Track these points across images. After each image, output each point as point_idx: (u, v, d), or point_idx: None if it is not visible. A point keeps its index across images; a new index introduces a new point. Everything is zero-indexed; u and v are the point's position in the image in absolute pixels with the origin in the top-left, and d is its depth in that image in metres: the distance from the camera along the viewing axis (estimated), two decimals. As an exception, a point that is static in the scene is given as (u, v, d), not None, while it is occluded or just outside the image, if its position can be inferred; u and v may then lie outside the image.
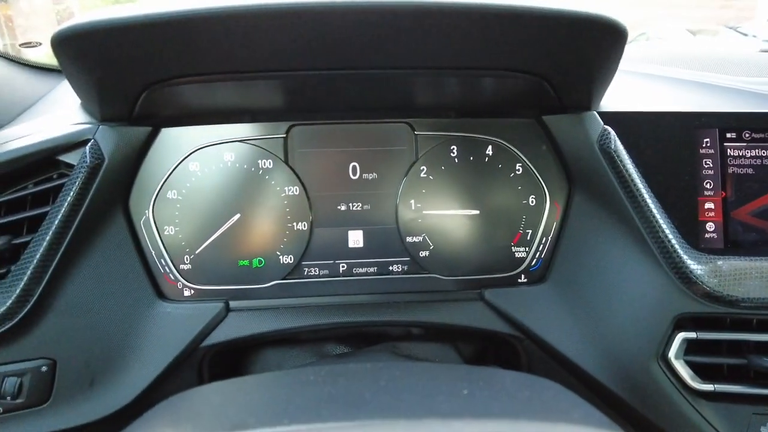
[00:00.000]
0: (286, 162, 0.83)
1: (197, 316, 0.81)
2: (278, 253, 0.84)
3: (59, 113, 0.85)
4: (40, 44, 1.20)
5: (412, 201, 0.84)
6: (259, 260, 0.84)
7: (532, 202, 0.85)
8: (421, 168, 0.84)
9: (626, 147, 0.76)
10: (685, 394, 0.75)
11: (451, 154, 0.84)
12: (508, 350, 0.88)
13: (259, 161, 0.82)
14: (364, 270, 0.86)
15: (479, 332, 0.84)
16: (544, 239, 0.86)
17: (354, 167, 0.84)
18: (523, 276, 0.86)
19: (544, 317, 0.83)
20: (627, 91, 0.89)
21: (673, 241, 0.74)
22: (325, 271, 0.85)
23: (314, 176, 0.84)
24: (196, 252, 0.83)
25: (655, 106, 0.79)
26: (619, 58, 0.68)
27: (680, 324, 0.75)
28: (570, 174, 0.84)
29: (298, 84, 0.76)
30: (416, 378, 0.46)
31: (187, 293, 0.83)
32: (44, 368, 0.75)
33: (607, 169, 0.77)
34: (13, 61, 1.09)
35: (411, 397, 0.41)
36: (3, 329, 0.72)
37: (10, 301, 0.72)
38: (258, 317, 0.83)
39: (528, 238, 0.86)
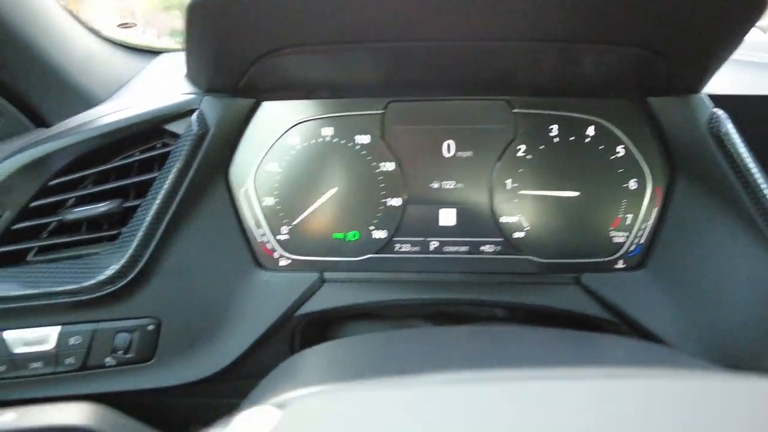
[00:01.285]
0: (383, 138, 0.83)
1: (293, 286, 0.83)
2: (372, 227, 0.84)
3: (162, 86, 0.88)
4: (135, 25, 1.25)
5: (509, 180, 0.83)
6: (353, 234, 0.84)
7: (633, 186, 0.83)
8: (519, 147, 0.83)
9: (737, 131, 0.73)
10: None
11: (551, 134, 0.82)
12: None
13: (356, 137, 0.83)
14: (455, 249, 0.85)
15: (573, 316, 0.82)
16: (644, 225, 0.83)
17: (449, 145, 0.84)
18: (621, 262, 0.84)
19: (644, 304, 0.80)
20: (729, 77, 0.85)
21: (794, 230, 0.70)
22: (417, 248, 0.85)
23: (409, 153, 0.84)
24: (294, 223, 0.84)
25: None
26: (744, 36, 0.65)
27: (797, 317, 0.72)
28: (673, 158, 0.81)
29: (399, 58, 0.76)
30: (547, 342, 0.45)
31: (283, 263, 0.85)
32: (150, 327, 0.78)
33: (716, 153, 0.73)
34: (110, 41, 1.15)
35: (550, 358, 0.40)
36: (115, 288, 0.75)
37: (123, 261, 0.75)
38: (351, 289, 0.83)
39: (627, 222, 0.83)
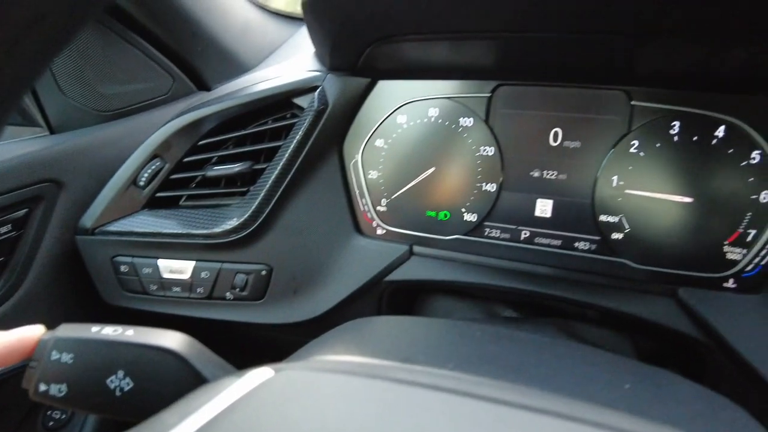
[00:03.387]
0: (486, 122, 0.84)
1: (386, 253, 0.90)
2: (463, 209, 0.87)
3: (296, 60, 0.99)
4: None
5: (615, 177, 0.79)
6: (444, 213, 0.88)
7: (765, 198, 0.73)
8: (633, 142, 0.77)
9: None
10: None
11: (671, 131, 0.75)
12: (693, 358, 0.80)
13: (460, 119, 0.85)
14: (547, 241, 0.84)
15: (664, 330, 0.77)
16: (769, 244, 0.73)
17: (556, 133, 0.81)
18: (731, 281, 0.76)
19: (750, 332, 0.72)
20: None
21: None
22: (507, 235, 0.86)
23: (512, 138, 0.83)
24: (393, 197, 0.90)
25: None
26: None
27: None
28: (825, 171, 0.69)
29: (510, 43, 0.75)
30: (579, 360, 0.46)
31: (380, 232, 0.92)
32: (263, 272, 0.92)
33: None
34: (264, 9, 1.28)
35: (567, 377, 0.41)
36: (239, 236, 0.90)
37: (247, 215, 0.89)
38: (436, 265, 0.88)
39: (749, 239, 0.74)
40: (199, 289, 0.93)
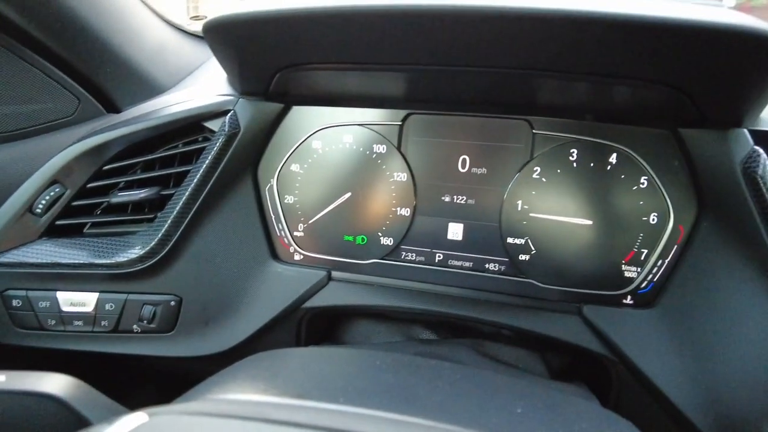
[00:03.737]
0: (399, 149, 0.85)
1: (303, 280, 0.89)
2: (380, 234, 0.88)
3: (209, 84, 0.96)
4: (207, 17, 1.35)
5: (520, 201, 0.82)
6: (362, 238, 0.88)
7: (653, 220, 0.78)
8: (535, 168, 0.81)
9: (780, 174, 0.67)
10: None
11: (570, 158, 0.80)
12: (599, 372, 0.84)
13: (374, 145, 0.86)
14: (459, 263, 0.86)
15: (570, 347, 0.81)
16: (659, 262, 0.79)
17: (464, 160, 0.84)
18: (629, 297, 0.81)
19: (645, 345, 0.77)
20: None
21: (818, 291, 0.63)
22: (422, 258, 0.87)
23: (423, 165, 0.85)
24: (310, 222, 0.90)
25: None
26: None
27: (812, 385, 0.65)
28: (702, 196, 0.76)
29: (420, 77, 0.77)
30: (474, 385, 0.47)
31: (297, 257, 0.91)
32: (173, 303, 0.88)
33: (747, 195, 0.68)
34: (182, 31, 1.25)
35: (461, 403, 0.42)
36: (145, 266, 0.86)
37: (154, 242, 0.85)
38: (355, 290, 0.88)
39: (642, 258, 0.79)
40: (103, 322, 0.88)
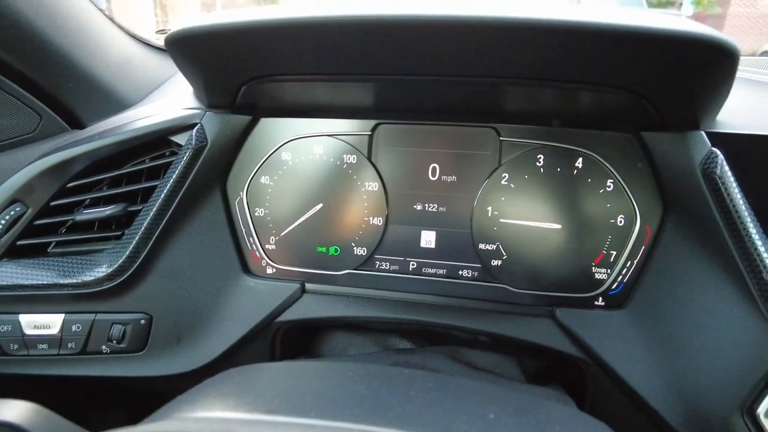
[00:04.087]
0: (369, 159, 0.85)
1: (276, 293, 0.88)
2: (353, 244, 0.87)
3: (176, 98, 0.95)
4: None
5: (489, 208, 0.83)
6: (335, 249, 0.88)
7: (621, 222, 0.80)
8: (503, 175, 0.82)
9: (737, 173, 0.68)
10: (773, 457, 0.67)
11: (537, 164, 0.81)
12: (574, 373, 0.85)
13: (344, 156, 0.86)
14: (433, 271, 0.86)
15: (545, 350, 0.82)
16: (628, 263, 0.80)
17: (434, 168, 0.85)
18: (600, 299, 0.82)
19: (617, 345, 0.78)
20: (760, 107, 0.79)
21: (779, 285, 0.65)
22: (396, 267, 0.87)
23: (394, 174, 0.86)
24: (281, 234, 0.89)
25: None
26: (730, 80, 0.61)
27: (776, 378, 0.67)
28: (666, 197, 0.78)
29: (387, 87, 0.77)
30: (447, 393, 0.47)
31: (269, 271, 0.90)
32: (143, 321, 0.86)
33: (708, 196, 0.70)
34: (147, 44, 1.23)
35: (433, 412, 0.42)
36: (113, 284, 0.83)
37: (122, 260, 0.83)
38: (329, 302, 0.87)
39: (611, 259, 0.81)
40: (70, 344, 0.85)
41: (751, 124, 0.72)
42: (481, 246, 0.84)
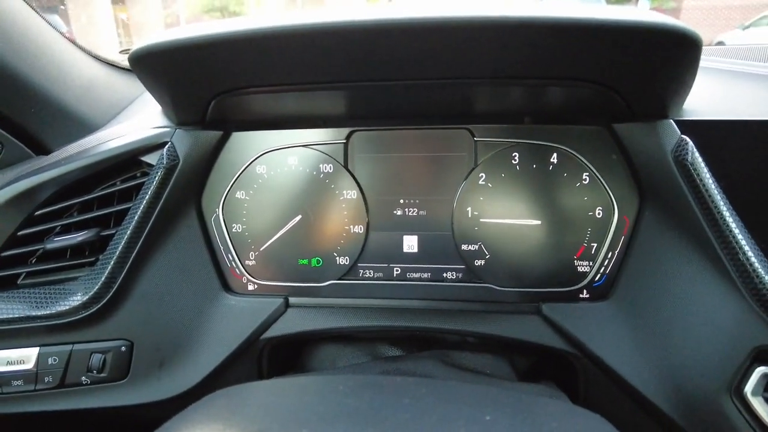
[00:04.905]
0: (346, 167, 0.85)
1: (259, 310, 0.86)
2: (335, 254, 0.86)
3: (144, 117, 0.93)
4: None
5: (469, 208, 0.83)
6: (317, 260, 0.87)
7: (599, 214, 0.81)
8: (480, 175, 0.82)
9: (707, 159, 0.70)
10: (763, 434, 0.68)
11: (513, 162, 0.82)
12: (565, 368, 0.85)
13: (321, 165, 0.85)
14: (417, 275, 0.86)
15: (534, 347, 0.82)
16: (610, 254, 0.81)
17: (412, 172, 0.84)
18: (585, 291, 0.82)
19: (604, 336, 0.78)
20: (722, 94, 0.81)
21: (756, 264, 0.66)
22: (380, 274, 0.87)
23: (372, 181, 0.85)
24: (261, 249, 0.87)
25: (745, 113, 0.71)
26: (694, 68, 0.63)
27: (760, 357, 0.68)
28: (641, 186, 0.79)
29: (359, 94, 0.77)
30: (440, 398, 0.46)
31: (251, 287, 0.88)
32: (123, 348, 0.83)
33: (681, 182, 0.71)
34: (112, 65, 1.21)
35: (428, 419, 0.41)
36: (89, 312, 0.81)
37: (97, 286, 0.81)
38: (315, 314, 0.86)
39: (593, 252, 0.82)
40: (47, 379, 0.82)
41: (717, 110, 0.73)
42: (464, 247, 0.84)
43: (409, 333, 0.91)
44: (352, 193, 0.85)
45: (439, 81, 0.70)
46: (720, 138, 0.71)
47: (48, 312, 0.80)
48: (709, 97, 0.77)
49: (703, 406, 0.71)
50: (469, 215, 0.83)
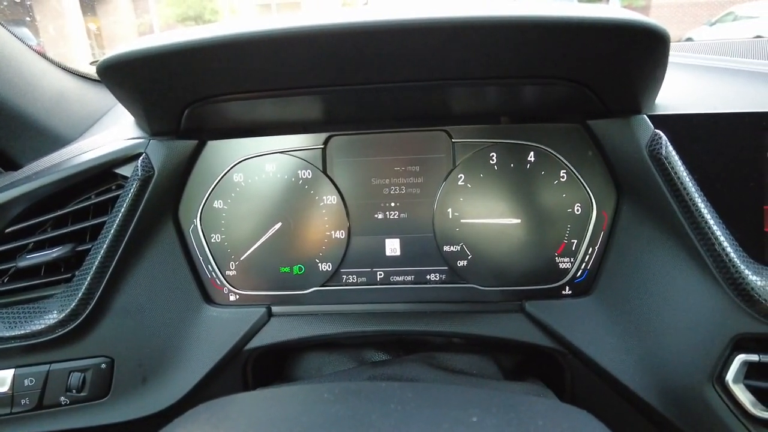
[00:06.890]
0: (324, 172, 0.84)
1: (241, 320, 0.85)
2: (317, 260, 0.86)
3: (118, 129, 0.92)
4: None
5: (449, 210, 0.83)
6: (299, 267, 0.86)
7: (578, 210, 0.82)
8: (459, 176, 0.82)
9: (681, 152, 0.71)
10: (745, 421, 0.69)
11: (491, 161, 0.82)
12: (551, 364, 0.85)
13: (299, 171, 0.84)
14: (401, 278, 0.86)
15: (519, 345, 0.82)
16: (590, 250, 0.82)
17: (391, 175, 0.84)
18: (567, 288, 0.83)
19: (588, 331, 0.79)
20: (692, 89, 0.82)
21: (732, 254, 0.67)
22: (363, 279, 0.86)
23: (352, 185, 0.85)
24: (241, 259, 0.86)
25: (715, 107, 0.73)
26: (664, 63, 0.64)
27: (740, 345, 0.69)
28: (618, 181, 0.80)
29: (336, 98, 0.76)
30: (427, 401, 0.46)
31: (232, 298, 0.87)
32: (104, 365, 0.81)
33: (657, 176, 0.72)
34: (83, 77, 1.19)
35: (416, 423, 0.41)
36: (67, 330, 0.79)
37: (74, 303, 0.79)
38: (298, 323, 0.85)
39: (573, 248, 0.82)
40: (23, 401, 0.79)
41: (688, 104, 0.75)
42: (446, 248, 0.84)
43: (395, 337, 0.91)
44: (332, 199, 0.84)
45: (415, 83, 0.70)
46: (692, 131, 0.72)
47: (23, 332, 0.78)
48: (680, 92, 0.79)
49: (686, 396, 0.72)
50: (450, 216, 0.83)
